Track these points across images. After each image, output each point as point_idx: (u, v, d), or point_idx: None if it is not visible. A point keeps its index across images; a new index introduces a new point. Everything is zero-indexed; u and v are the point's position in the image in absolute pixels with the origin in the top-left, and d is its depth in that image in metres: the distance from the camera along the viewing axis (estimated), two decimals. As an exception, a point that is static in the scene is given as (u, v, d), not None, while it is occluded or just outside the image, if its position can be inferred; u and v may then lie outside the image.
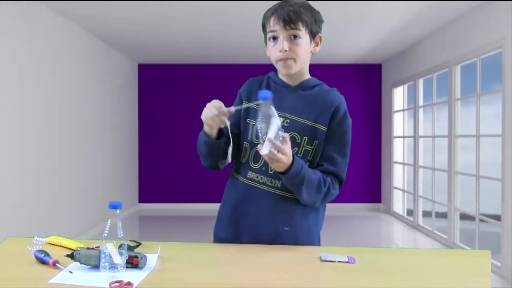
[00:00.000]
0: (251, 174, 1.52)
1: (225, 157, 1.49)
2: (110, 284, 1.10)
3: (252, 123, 1.54)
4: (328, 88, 1.59)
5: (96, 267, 1.19)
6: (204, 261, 1.35)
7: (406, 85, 7.18)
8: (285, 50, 1.47)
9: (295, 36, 1.48)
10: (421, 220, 6.41)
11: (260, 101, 1.34)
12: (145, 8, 4.75)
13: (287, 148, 1.36)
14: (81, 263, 1.21)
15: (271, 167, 1.47)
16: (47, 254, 1.25)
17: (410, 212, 6.82)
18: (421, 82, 6.47)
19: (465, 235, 5.26)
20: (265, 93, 1.34)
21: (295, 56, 1.49)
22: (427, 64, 6.05)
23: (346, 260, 1.31)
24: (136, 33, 5.88)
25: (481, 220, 4.75)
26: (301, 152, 1.50)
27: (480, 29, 4.67)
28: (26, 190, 4.35)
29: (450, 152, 5.28)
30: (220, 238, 1.58)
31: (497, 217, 4.41)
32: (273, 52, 1.51)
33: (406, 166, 7.13)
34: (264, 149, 1.34)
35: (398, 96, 7.45)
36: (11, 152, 4.12)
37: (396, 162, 7.41)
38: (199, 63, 7.95)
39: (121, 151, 7.16)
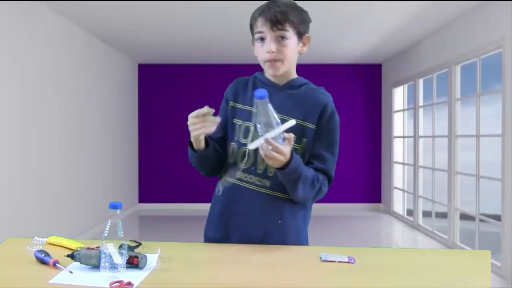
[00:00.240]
0: (239, 174, 1.53)
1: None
2: (110, 284, 1.10)
3: (239, 123, 1.55)
4: (315, 87, 1.60)
5: (97, 267, 1.19)
6: (204, 261, 1.35)
7: (406, 85, 7.18)
8: (273, 51, 1.48)
9: (282, 37, 1.48)
10: (421, 220, 6.41)
11: (257, 100, 1.34)
12: (145, 8, 4.75)
13: (286, 148, 1.36)
14: (81, 263, 1.21)
15: (259, 167, 1.49)
16: (47, 254, 1.25)
17: (410, 212, 6.82)
18: (421, 82, 6.47)
19: (465, 235, 5.26)
20: (261, 91, 1.33)
21: (283, 57, 1.49)
22: (427, 64, 6.05)
23: (347, 260, 1.31)
24: (136, 33, 5.88)
25: (481, 220, 4.75)
26: None
27: (480, 29, 4.67)
28: (26, 190, 4.35)
29: (450, 152, 5.28)
30: (209, 238, 1.59)
31: (497, 217, 4.41)
32: (261, 53, 1.52)
33: (406, 166, 7.14)
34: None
35: (398, 96, 7.45)
36: (11, 152, 4.12)
37: (396, 162, 7.41)
38: (199, 63, 7.95)
39: (121, 151, 7.16)
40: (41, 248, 1.33)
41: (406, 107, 7.26)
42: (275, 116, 1.34)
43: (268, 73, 1.56)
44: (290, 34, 1.49)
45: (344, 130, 8.05)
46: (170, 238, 1.96)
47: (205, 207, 1.68)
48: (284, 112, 1.50)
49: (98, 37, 6.07)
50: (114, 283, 1.10)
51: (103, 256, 1.17)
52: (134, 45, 6.59)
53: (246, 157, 1.49)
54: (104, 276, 1.15)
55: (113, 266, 1.17)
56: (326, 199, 9.89)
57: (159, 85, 8.07)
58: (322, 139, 1.53)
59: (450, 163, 5.29)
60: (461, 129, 5.22)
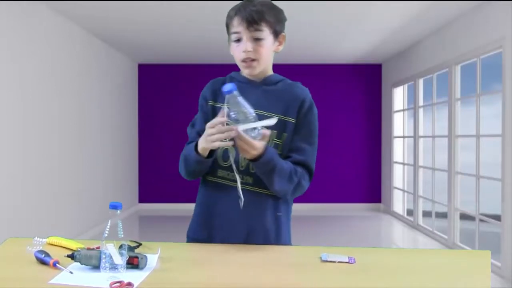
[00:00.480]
0: (221, 173, 1.53)
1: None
2: (110, 285, 1.10)
3: None
4: (292, 82, 1.61)
5: (97, 267, 1.20)
6: (204, 261, 1.35)
7: (406, 85, 7.18)
8: (249, 51, 1.48)
9: (258, 37, 1.49)
10: (421, 220, 6.41)
11: (227, 96, 1.34)
12: (145, 8, 4.75)
13: (259, 142, 1.36)
14: (81, 264, 1.21)
15: (241, 164, 1.49)
16: (47, 254, 1.26)
17: (410, 212, 6.82)
18: (421, 82, 6.47)
19: (465, 235, 5.27)
20: (228, 86, 1.34)
21: (259, 57, 1.50)
22: (427, 64, 6.05)
23: (347, 260, 1.31)
24: (136, 33, 5.88)
25: (481, 220, 4.75)
26: (271, 146, 1.51)
27: (480, 29, 4.67)
28: (26, 190, 4.35)
29: (450, 152, 5.28)
30: (192, 238, 1.59)
31: (497, 217, 4.41)
32: (237, 53, 1.52)
33: (406, 166, 7.14)
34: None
35: (398, 96, 7.45)
36: (11, 152, 4.12)
37: (396, 162, 7.41)
38: (199, 63, 7.95)
39: (121, 151, 7.16)
40: (41, 248, 1.34)
41: (406, 107, 7.26)
42: (248, 109, 1.34)
43: (244, 72, 1.56)
44: (266, 34, 1.50)
45: (344, 130, 8.10)
46: (170, 238, 1.95)
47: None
48: (264, 108, 1.51)
49: (98, 37, 6.07)
50: (114, 284, 1.10)
51: (103, 256, 1.17)
52: (134, 45, 6.59)
53: (232, 158, 1.48)
54: (104, 277, 1.15)
55: (113, 267, 1.17)
56: (326, 199, 9.88)
57: (159, 85, 8.07)
58: (301, 132, 1.54)
59: (450, 163, 5.30)
60: (461, 129, 5.22)
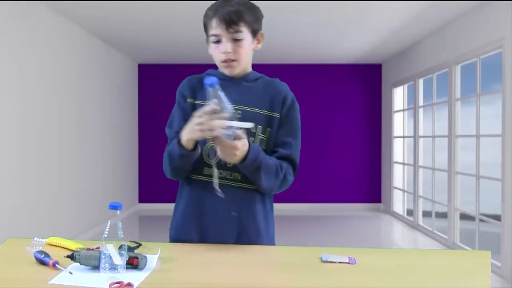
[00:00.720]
0: (207, 170, 1.51)
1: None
2: (110, 285, 1.10)
3: None
4: (271, 79, 1.62)
5: (96, 268, 1.19)
6: (204, 261, 1.35)
7: (406, 85, 7.18)
8: (229, 52, 1.48)
9: (237, 38, 1.48)
10: (421, 220, 6.41)
11: (208, 88, 1.34)
12: (145, 8, 4.75)
13: (239, 142, 1.36)
14: (81, 264, 1.21)
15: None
16: (47, 255, 1.25)
17: (410, 212, 6.82)
18: (421, 82, 6.47)
19: (465, 235, 5.26)
20: (211, 79, 1.33)
21: (238, 58, 1.50)
22: (427, 64, 6.05)
23: (347, 260, 1.31)
24: (136, 33, 5.88)
25: (481, 220, 4.75)
26: (256, 141, 1.51)
27: (480, 29, 4.67)
28: (26, 190, 4.35)
29: (450, 152, 5.28)
30: (183, 241, 1.56)
31: (497, 217, 4.41)
32: (216, 54, 1.52)
33: (406, 166, 7.14)
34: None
35: (398, 96, 7.45)
36: (11, 152, 4.12)
37: (396, 162, 7.41)
38: (199, 63, 7.94)
39: (121, 151, 7.16)
40: (41, 248, 1.33)
41: (406, 107, 7.26)
42: (227, 105, 1.34)
43: (225, 73, 1.56)
44: (245, 34, 1.50)
45: (344, 130, 8.10)
46: (170, 240, 1.94)
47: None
48: (251, 104, 1.52)
49: (98, 37, 6.07)
50: (114, 284, 1.10)
51: (103, 256, 1.17)
52: (134, 45, 6.59)
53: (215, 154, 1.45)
54: (104, 277, 1.15)
55: (113, 267, 1.17)
56: (326, 199, 9.87)
57: (159, 85, 8.06)
58: (285, 127, 1.55)
59: (450, 163, 5.29)
60: (461, 129, 5.22)
